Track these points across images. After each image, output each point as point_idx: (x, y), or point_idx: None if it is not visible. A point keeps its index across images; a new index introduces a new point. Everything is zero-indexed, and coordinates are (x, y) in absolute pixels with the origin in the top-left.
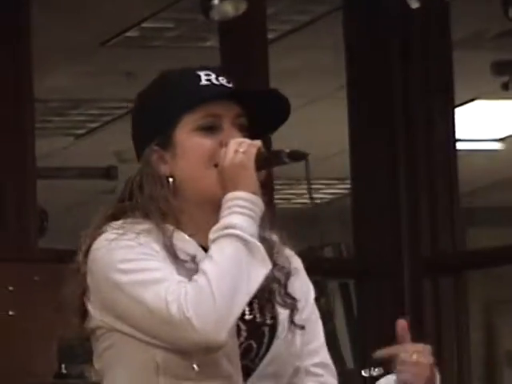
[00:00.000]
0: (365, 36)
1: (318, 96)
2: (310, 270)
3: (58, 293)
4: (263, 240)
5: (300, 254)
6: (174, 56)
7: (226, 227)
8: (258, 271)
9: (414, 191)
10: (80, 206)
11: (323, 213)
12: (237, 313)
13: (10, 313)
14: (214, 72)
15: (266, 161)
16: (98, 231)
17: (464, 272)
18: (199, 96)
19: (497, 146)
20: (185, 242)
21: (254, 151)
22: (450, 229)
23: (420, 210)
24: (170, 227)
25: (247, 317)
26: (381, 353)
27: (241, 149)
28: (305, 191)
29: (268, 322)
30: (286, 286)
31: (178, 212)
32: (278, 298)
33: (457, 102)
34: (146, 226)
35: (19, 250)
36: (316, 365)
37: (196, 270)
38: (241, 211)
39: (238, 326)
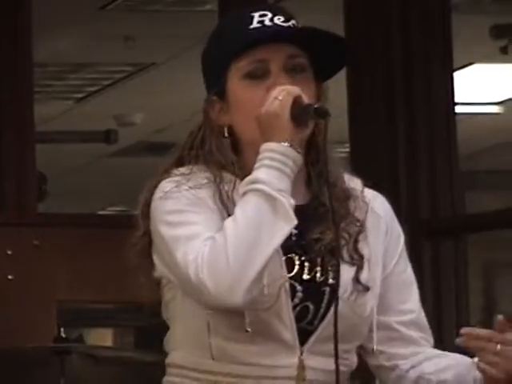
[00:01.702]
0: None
1: None
2: None
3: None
4: (334, 193)
5: None
6: (173, 20)
7: (253, 181)
8: (280, 229)
9: (413, 154)
10: (79, 170)
11: None
12: (253, 274)
13: (9, 277)
14: (271, 11)
15: (302, 111)
16: (163, 176)
17: (463, 235)
18: (243, 42)
19: (495, 109)
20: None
21: (290, 100)
22: (449, 192)
23: (419, 173)
24: (232, 177)
25: (305, 276)
26: (469, 333)
27: (279, 96)
28: None
29: (330, 281)
30: (355, 241)
31: (236, 164)
32: (345, 255)
33: (455, 66)
34: (209, 174)
35: (18, 214)
36: (404, 323)
37: None
38: (270, 164)
39: (293, 286)
